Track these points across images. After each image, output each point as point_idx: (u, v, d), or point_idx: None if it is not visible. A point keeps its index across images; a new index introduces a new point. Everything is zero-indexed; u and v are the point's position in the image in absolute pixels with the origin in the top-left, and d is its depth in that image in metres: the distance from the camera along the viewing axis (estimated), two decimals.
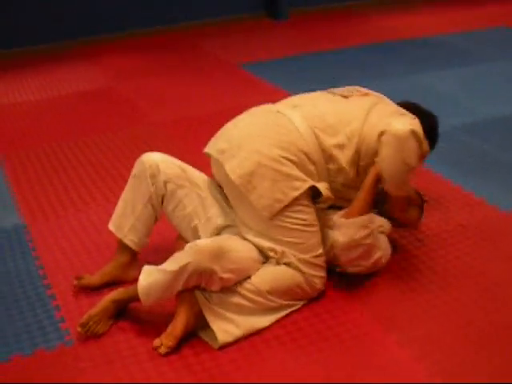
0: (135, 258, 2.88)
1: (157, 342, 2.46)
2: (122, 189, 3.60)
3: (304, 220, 2.64)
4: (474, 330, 2.55)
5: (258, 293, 2.57)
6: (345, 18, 7.69)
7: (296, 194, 2.61)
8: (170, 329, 2.48)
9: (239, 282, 2.57)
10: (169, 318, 2.54)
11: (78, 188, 3.79)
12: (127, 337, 2.56)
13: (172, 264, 2.49)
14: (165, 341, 2.45)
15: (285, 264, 2.63)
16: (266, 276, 2.61)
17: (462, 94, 5.09)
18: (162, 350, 2.44)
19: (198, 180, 2.87)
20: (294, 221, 2.62)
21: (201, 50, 6.71)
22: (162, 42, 7.04)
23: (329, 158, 2.71)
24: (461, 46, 6.46)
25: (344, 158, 2.72)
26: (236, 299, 2.55)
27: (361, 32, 7.11)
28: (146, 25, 7.20)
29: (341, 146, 2.72)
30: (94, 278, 2.84)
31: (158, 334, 2.50)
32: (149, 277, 2.50)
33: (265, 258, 2.68)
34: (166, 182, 2.81)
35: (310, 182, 2.65)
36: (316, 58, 6.24)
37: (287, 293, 2.63)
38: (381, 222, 2.85)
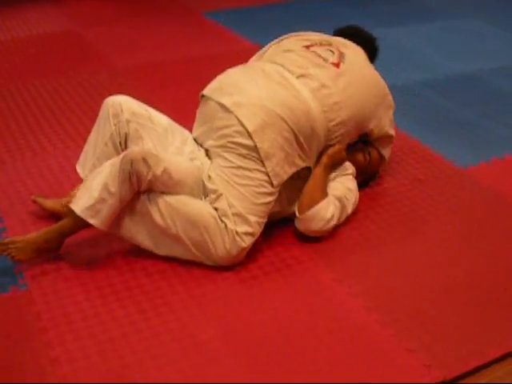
0: None
1: None
2: (80, 134, 3.59)
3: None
4: (428, 282, 2.60)
5: (168, 212, 2.56)
6: None
7: (294, 170, 2.74)
8: None
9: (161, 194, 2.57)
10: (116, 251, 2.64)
11: (35, 132, 3.73)
12: (81, 281, 2.55)
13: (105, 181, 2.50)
14: None
15: (213, 208, 2.59)
16: (181, 206, 2.56)
17: (426, 50, 5.10)
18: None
19: (160, 119, 2.86)
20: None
21: None
22: None
23: (332, 136, 2.86)
24: (428, 1, 6.44)
25: (345, 135, 2.91)
26: (147, 205, 2.56)
27: None
28: None
29: (343, 123, 2.87)
30: (47, 202, 2.90)
31: (112, 269, 2.60)
32: (97, 214, 2.51)
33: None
34: (128, 121, 2.79)
35: (309, 163, 2.81)
36: (283, 9, 6.19)
37: (193, 232, 2.57)
38: (350, 170, 2.98)
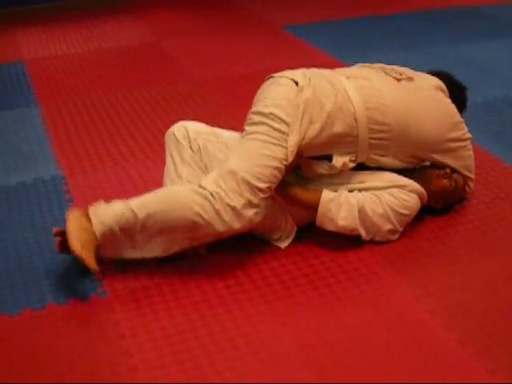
0: None
1: None
2: (160, 144, 3.63)
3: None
4: (507, 301, 2.55)
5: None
6: None
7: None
8: None
9: None
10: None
11: (116, 142, 3.80)
12: (161, 290, 2.58)
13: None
14: None
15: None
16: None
17: (507, 66, 4.99)
18: None
19: (223, 133, 2.97)
20: None
21: (246, 9, 6.67)
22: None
23: (373, 136, 2.78)
24: (506, 16, 6.32)
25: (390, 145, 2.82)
26: None
27: None
28: None
29: (386, 125, 2.78)
30: None
31: (191, 281, 2.60)
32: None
33: None
34: (195, 139, 2.90)
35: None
36: (360, 23, 6.16)
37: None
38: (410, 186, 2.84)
